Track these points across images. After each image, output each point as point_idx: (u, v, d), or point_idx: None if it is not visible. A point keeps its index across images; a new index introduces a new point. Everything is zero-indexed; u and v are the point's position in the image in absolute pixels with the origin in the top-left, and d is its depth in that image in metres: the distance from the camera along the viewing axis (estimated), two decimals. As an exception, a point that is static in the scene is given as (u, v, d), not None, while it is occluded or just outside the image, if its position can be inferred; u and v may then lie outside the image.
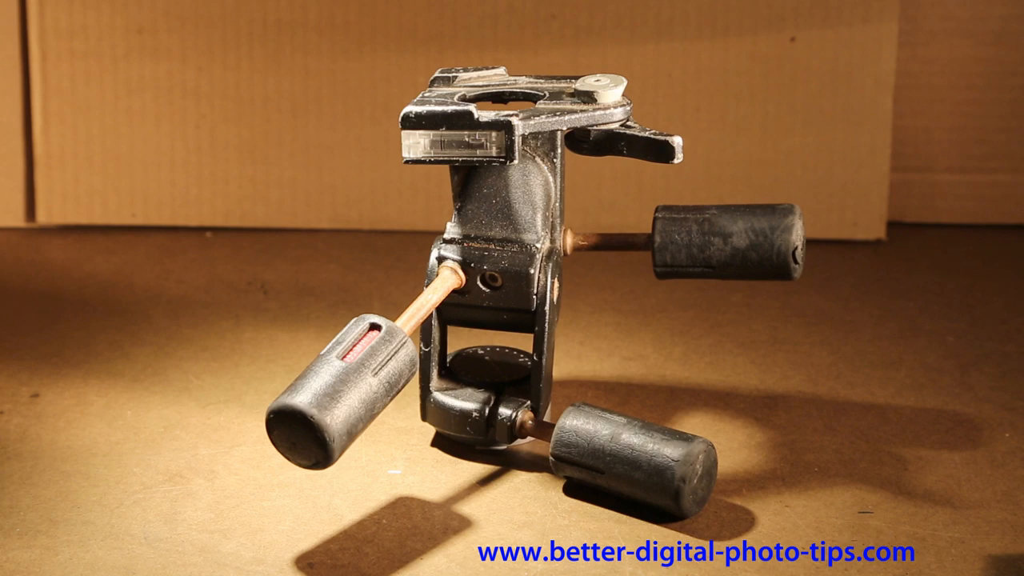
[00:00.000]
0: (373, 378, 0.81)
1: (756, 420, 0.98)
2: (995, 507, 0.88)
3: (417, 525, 0.86)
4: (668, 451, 0.85)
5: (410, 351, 0.83)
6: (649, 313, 1.17)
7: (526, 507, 0.88)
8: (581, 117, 0.89)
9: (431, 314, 0.91)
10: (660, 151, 0.89)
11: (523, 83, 0.94)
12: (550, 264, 0.91)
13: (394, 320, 0.85)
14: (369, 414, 0.81)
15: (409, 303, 0.88)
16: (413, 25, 1.30)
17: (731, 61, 1.30)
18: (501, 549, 0.83)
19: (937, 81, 1.34)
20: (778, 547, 0.83)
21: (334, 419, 0.79)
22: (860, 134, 1.30)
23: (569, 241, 0.96)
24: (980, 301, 1.19)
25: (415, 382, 0.93)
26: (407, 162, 0.88)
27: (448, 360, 0.96)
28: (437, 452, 0.94)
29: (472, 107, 0.86)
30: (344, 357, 0.81)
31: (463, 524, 0.86)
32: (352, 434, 0.80)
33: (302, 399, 0.79)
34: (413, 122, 0.87)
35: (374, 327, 0.83)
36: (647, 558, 0.82)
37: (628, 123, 0.91)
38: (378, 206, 1.33)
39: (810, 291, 1.20)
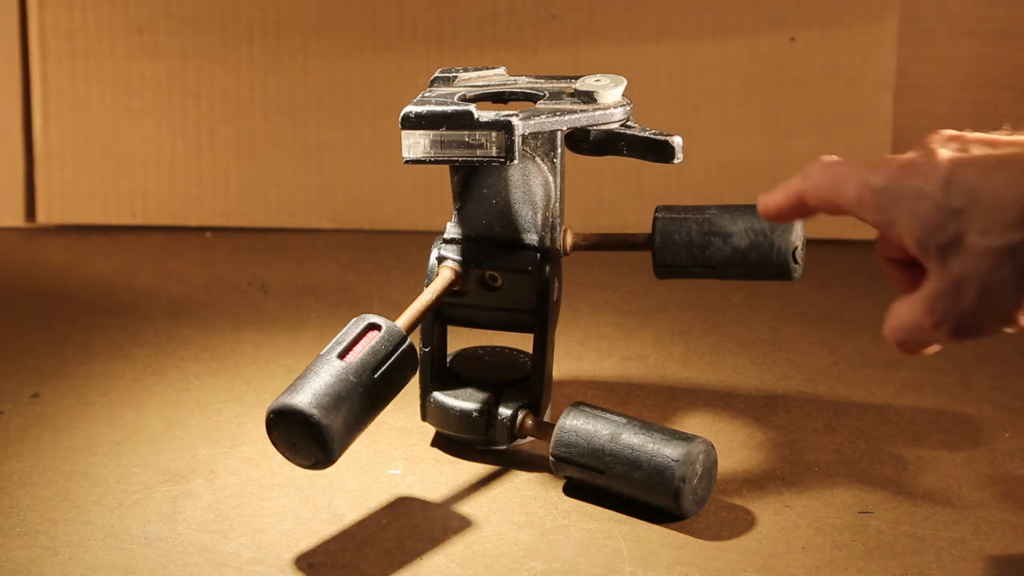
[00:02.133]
0: (373, 378, 0.81)
1: (756, 420, 0.98)
2: (995, 507, 0.88)
3: (417, 525, 0.86)
4: (668, 451, 0.85)
5: (410, 351, 0.83)
6: (649, 313, 1.17)
7: (526, 507, 0.88)
8: (581, 117, 0.89)
9: (431, 314, 0.91)
10: (660, 151, 0.89)
11: (523, 83, 0.94)
12: (550, 264, 0.91)
13: (394, 320, 0.85)
14: (369, 414, 0.81)
15: (409, 303, 0.88)
16: (413, 25, 1.30)
17: (731, 61, 1.30)
18: (501, 549, 0.83)
19: (937, 81, 1.34)
20: (778, 547, 0.83)
21: (334, 419, 0.79)
22: (860, 134, 1.30)
23: (569, 241, 0.96)
24: (980, 301, 1.19)
25: (415, 382, 0.93)
26: (407, 162, 0.88)
27: (448, 360, 0.96)
28: (437, 452, 0.94)
29: (472, 107, 0.86)
30: (344, 357, 0.81)
31: (463, 524, 0.86)
32: (352, 434, 0.80)
33: (302, 399, 0.79)
34: (413, 122, 0.87)
35: (374, 327, 0.83)
36: (647, 558, 0.82)
37: (628, 123, 0.91)
38: (378, 206, 1.33)
39: (810, 291, 1.20)
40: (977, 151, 0.75)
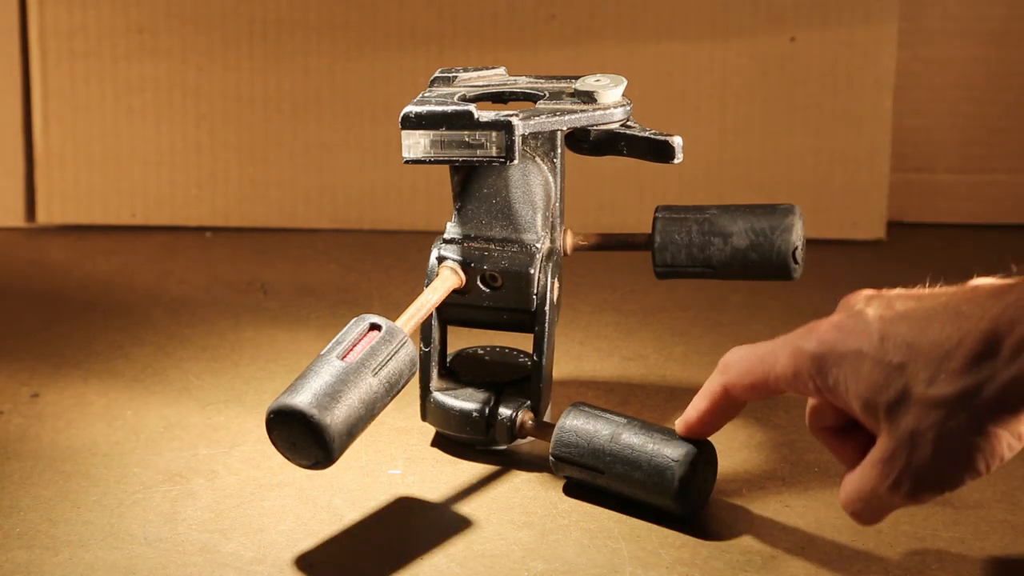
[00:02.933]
0: (373, 378, 0.81)
1: (756, 420, 0.98)
2: (995, 507, 0.88)
3: (417, 525, 0.86)
4: (668, 451, 0.85)
5: (410, 351, 0.83)
6: (649, 313, 1.17)
7: (526, 507, 0.88)
8: (581, 117, 0.89)
9: (431, 314, 0.91)
10: (660, 151, 0.89)
11: (523, 83, 0.94)
12: (550, 264, 0.91)
13: (394, 320, 0.85)
14: (369, 414, 0.81)
15: (409, 303, 0.88)
16: (413, 25, 1.30)
17: (731, 61, 1.30)
18: (501, 549, 0.83)
19: (937, 81, 1.34)
20: (778, 547, 0.83)
21: (334, 419, 0.79)
22: (860, 134, 1.30)
23: (569, 241, 0.96)
24: (980, 301, 1.19)
25: (415, 382, 0.93)
26: (407, 162, 0.88)
27: (448, 360, 0.96)
28: (437, 452, 0.94)
29: (472, 107, 0.86)
30: (344, 357, 0.81)
31: (463, 524, 0.86)
32: (352, 434, 0.80)
33: (302, 399, 0.79)
34: (413, 122, 0.87)
35: (374, 327, 0.83)
36: (647, 558, 0.82)
37: (628, 123, 0.91)
38: (378, 206, 1.33)
39: (810, 291, 1.20)
40: (901, 306, 0.73)
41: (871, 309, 0.74)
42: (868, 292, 0.76)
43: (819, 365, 0.74)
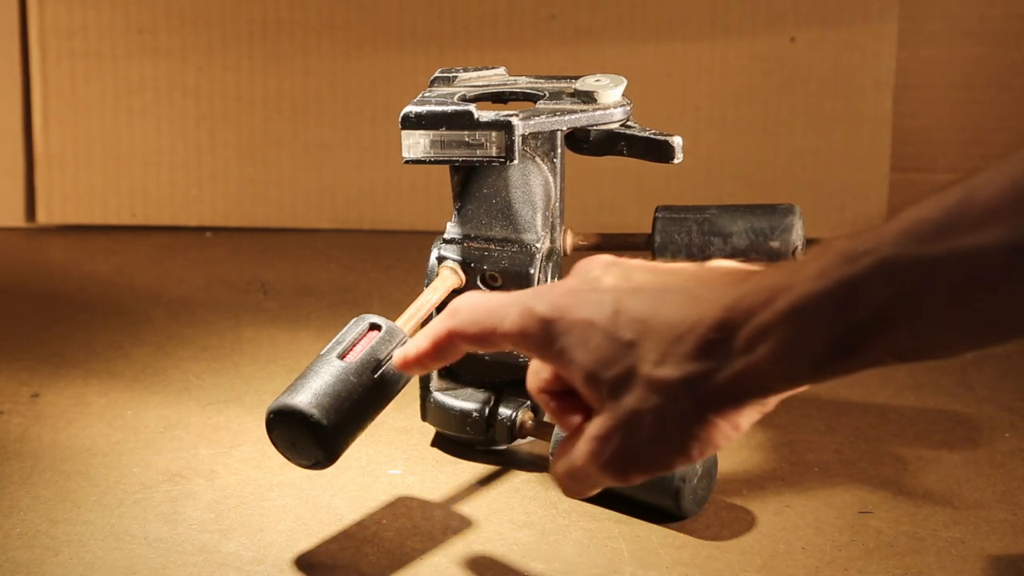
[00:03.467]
0: (373, 378, 0.81)
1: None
2: (995, 507, 0.88)
3: (417, 525, 0.86)
4: (668, 451, 0.85)
5: (410, 351, 0.83)
6: (649, 313, 1.16)
7: (526, 507, 0.88)
8: (581, 117, 0.89)
9: (431, 314, 0.91)
10: (660, 151, 0.89)
11: (523, 83, 0.94)
12: (550, 264, 0.91)
13: (394, 320, 0.85)
14: (369, 414, 0.81)
15: (409, 303, 0.88)
16: (413, 25, 1.30)
17: (731, 61, 1.30)
18: (501, 549, 0.83)
19: (937, 81, 1.34)
20: (778, 547, 0.83)
21: (334, 419, 0.79)
22: (860, 134, 1.30)
23: (569, 241, 0.96)
24: (980, 301, 1.19)
25: (415, 382, 0.93)
26: (407, 162, 0.88)
27: (448, 360, 0.96)
28: (437, 452, 0.94)
29: (472, 107, 0.86)
30: (344, 357, 0.81)
31: (463, 524, 0.86)
32: (352, 434, 0.80)
33: (302, 399, 0.79)
34: (413, 122, 0.87)
35: (374, 327, 0.83)
36: (647, 558, 0.82)
37: (628, 123, 0.91)
38: (378, 206, 1.34)
39: (810, 291, 1.20)
40: (640, 279, 0.69)
41: (608, 278, 0.70)
42: (606, 258, 0.72)
43: (547, 329, 0.69)
